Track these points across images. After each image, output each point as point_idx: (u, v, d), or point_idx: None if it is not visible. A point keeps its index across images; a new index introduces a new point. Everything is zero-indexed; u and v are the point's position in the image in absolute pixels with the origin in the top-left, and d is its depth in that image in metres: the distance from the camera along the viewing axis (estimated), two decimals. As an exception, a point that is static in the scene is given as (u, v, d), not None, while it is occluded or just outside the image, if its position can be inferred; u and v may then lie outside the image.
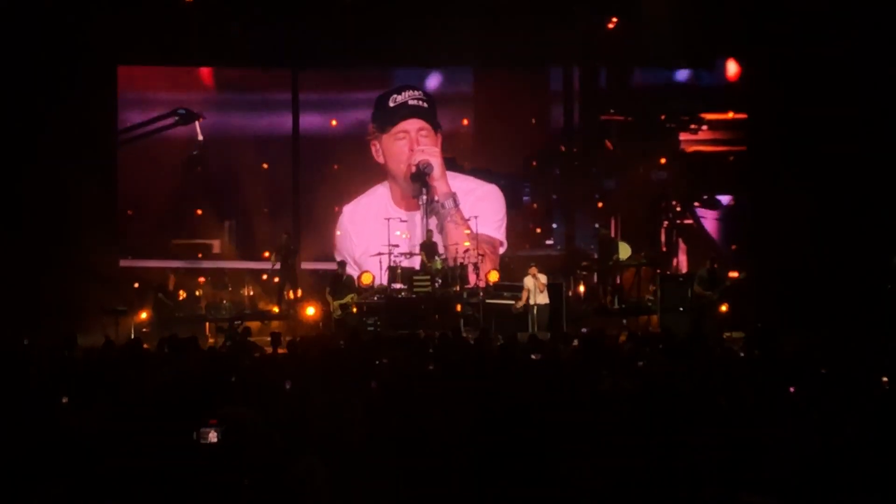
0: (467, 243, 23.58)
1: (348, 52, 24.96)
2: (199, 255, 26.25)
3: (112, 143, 25.59)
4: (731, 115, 26.70)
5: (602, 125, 27.73)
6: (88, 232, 23.48)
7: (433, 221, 22.56)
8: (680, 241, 27.71)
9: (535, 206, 28.15)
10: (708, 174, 27.18)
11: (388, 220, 23.67)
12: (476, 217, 23.08)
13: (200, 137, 24.67)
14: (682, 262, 27.57)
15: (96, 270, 23.73)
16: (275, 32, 24.70)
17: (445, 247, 23.47)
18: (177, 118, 24.46)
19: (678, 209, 27.46)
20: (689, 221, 27.55)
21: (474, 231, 22.96)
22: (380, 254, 23.42)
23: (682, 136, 27.49)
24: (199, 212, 26.07)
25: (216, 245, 26.87)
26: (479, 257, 23.99)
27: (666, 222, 27.72)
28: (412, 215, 22.82)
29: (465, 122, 27.69)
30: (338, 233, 24.72)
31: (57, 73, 22.95)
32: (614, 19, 25.13)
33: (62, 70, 23.01)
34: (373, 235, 23.07)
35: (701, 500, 7.65)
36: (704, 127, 27.21)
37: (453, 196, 22.52)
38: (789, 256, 23.14)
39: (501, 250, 23.97)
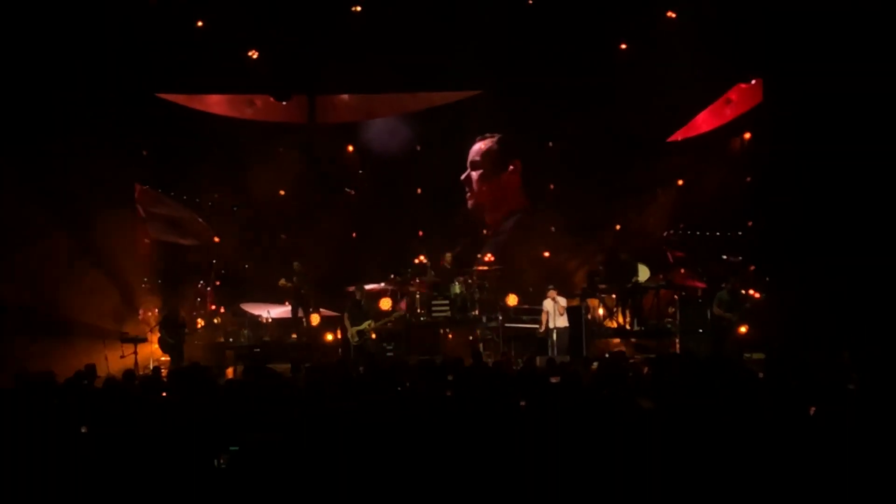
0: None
1: (363, 75, 25.51)
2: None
3: (135, 173, 26.26)
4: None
5: None
6: (110, 260, 23.61)
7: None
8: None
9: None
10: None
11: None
12: None
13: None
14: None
15: (117, 299, 23.89)
16: (290, 57, 25.31)
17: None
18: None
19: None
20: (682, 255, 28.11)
21: None
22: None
23: None
24: None
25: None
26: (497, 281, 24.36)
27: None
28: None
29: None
30: None
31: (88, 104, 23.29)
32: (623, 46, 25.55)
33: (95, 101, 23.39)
34: None
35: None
36: None
37: None
38: (808, 274, 23.01)
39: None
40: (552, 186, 28.82)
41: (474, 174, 28.20)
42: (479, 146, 28.32)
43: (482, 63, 24.90)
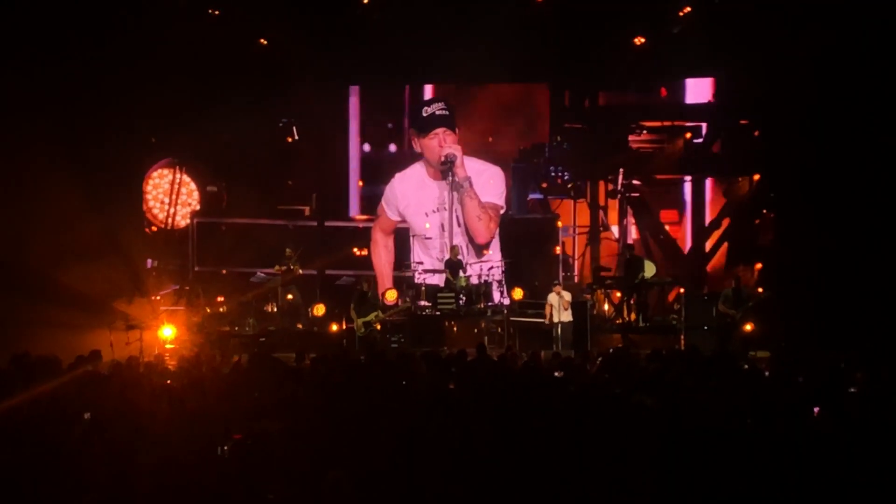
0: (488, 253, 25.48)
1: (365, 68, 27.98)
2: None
3: (139, 163, 27.74)
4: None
5: (566, 131, 30.50)
6: (113, 249, 23.68)
7: (456, 205, 25.75)
8: (629, 209, 29.95)
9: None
10: (650, 162, 30.13)
11: (413, 236, 24.97)
12: (484, 189, 26.42)
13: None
14: (629, 223, 30.23)
15: (123, 287, 23.93)
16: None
17: (464, 219, 25.75)
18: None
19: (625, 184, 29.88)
20: (637, 195, 30.16)
21: (482, 200, 25.64)
22: (409, 270, 25.17)
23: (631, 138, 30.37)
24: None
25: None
26: (503, 274, 24.45)
27: (619, 196, 29.95)
28: (441, 184, 26.34)
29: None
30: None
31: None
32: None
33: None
34: (413, 195, 27.06)
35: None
36: (645, 132, 30.39)
37: (468, 179, 25.73)
38: (814, 274, 22.99)
39: (501, 212, 26.88)
40: None
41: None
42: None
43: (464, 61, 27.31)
